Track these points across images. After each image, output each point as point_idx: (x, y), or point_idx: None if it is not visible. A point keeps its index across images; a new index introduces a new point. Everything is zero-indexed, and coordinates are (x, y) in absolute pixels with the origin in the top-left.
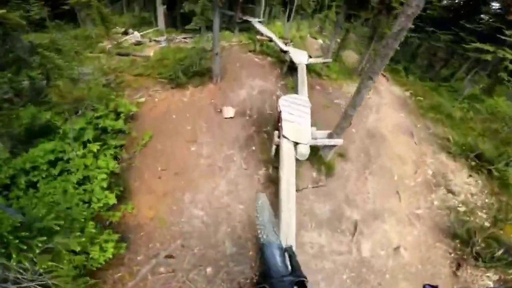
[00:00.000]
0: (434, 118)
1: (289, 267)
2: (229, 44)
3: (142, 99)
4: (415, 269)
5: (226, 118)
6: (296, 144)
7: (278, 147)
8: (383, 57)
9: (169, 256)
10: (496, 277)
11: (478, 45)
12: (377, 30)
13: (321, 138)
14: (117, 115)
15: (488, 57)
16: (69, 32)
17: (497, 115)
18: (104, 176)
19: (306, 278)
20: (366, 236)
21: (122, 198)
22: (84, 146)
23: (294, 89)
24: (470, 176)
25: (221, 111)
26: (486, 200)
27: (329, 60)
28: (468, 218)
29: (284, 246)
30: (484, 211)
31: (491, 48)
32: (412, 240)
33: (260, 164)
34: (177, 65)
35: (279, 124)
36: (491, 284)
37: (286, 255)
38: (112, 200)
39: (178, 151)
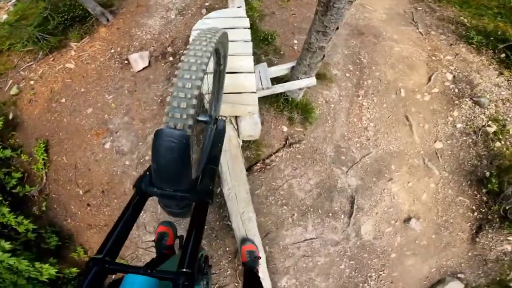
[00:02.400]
0: None
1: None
2: None
3: (14, 90)
4: (427, 240)
5: (138, 71)
6: (236, 117)
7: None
8: None
9: None
10: None
11: None
12: None
13: (279, 84)
14: None
15: None
16: None
17: None
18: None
19: (211, 197)
20: (367, 211)
21: (64, 246)
22: None
23: None
24: (501, 74)
25: (128, 63)
26: None
27: None
28: (499, 146)
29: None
30: None
31: None
32: (428, 198)
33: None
34: (34, 19)
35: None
36: (509, 248)
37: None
38: (50, 270)
39: (89, 157)
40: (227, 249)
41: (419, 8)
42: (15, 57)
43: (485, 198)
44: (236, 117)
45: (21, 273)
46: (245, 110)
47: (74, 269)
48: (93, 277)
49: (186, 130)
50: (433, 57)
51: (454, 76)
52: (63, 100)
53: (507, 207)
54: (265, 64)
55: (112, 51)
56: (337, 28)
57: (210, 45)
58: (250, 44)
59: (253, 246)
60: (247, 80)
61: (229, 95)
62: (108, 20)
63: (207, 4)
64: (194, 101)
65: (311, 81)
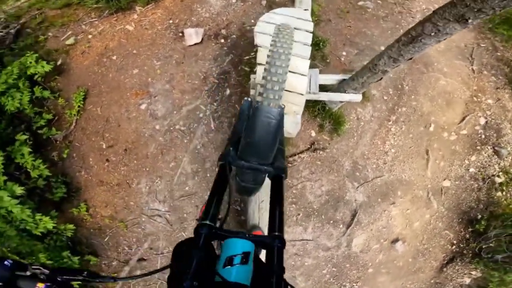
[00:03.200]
0: (506, 36)
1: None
2: None
3: (71, 40)
4: (404, 263)
5: (190, 46)
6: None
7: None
8: None
9: (141, 259)
10: (479, 274)
11: None
12: None
13: (326, 91)
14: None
15: None
16: None
17: None
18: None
19: (285, 173)
20: (363, 226)
21: (68, 199)
22: None
23: None
24: None
25: (183, 35)
26: None
27: None
28: (500, 196)
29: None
30: None
31: None
32: (419, 226)
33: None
34: None
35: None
36: (467, 281)
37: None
38: (49, 224)
39: (123, 113)
40: None
41: (482, 45)
42: (81, 11)
43: (467, 236)
44: None
45: (15, 223)
46: (291, 109)
47: (70, 226)
48: (204, 241)
49: (281, 108)
50: (475, 98)
51: (486, 122)
52: (114, 58)
53: (483, 246)
54: (317, 70)
55: (171, 21)
56: (411, 59)
57: (291, 38)
58: (309, 48)
59: (261, 232)
60: (298, 82)
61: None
62: None
63: None
64: (284, 85)
65: (357, 97)
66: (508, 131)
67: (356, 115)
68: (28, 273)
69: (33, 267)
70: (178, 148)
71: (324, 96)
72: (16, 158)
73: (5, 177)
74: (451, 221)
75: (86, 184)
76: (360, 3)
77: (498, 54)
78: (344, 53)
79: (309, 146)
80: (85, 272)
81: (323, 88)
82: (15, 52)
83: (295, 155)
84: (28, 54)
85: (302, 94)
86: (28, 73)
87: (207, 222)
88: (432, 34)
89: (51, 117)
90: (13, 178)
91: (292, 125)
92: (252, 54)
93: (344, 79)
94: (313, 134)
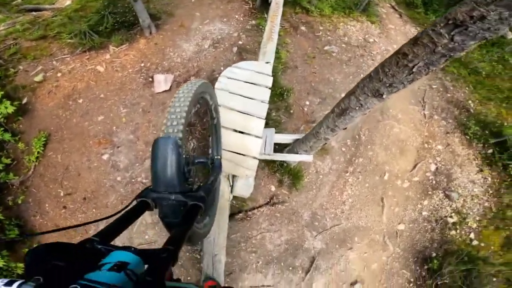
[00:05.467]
0: (456, 74)
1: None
2: None
3: (39, 77)
4: None
5: (158, 93)
6: (233, 176)
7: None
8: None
9: None
10: None
11: None
12: None
13: (283, 148)
14: None
15: None
16: None
17: None
18: None
19: (203, 202)
20: (322, 271)
21: (22, 240)
22: None
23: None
24: (481, 171)
25: (152, 81)
26: (486, 204)
27: None
28: (454, 234)
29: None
30: (477, 218)
31: None
32: (377, 268)
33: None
34: (92, 16)
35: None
36: None
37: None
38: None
39: (84, 162)
40: (189, 278)
41: (433, 86)
42: (55, 45)
43: (424, 273)
44: (234, 175)
45: None
46: (243, 172)
47: (21, 265)
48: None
49: (178, 137)
50: (426, 144)
51: (437, 168)
52: (80, 101)
53: (438, 283)
54: (273, 130)
55: (142, 64)
56: (345, 128)
57: (192, 88)
58: (266, 106)
59: (215, 283)
60: (253, 144)
61: (233, 155)
62: (151, 33)
63: (240, 42)
64: (182, 121)
65: (308, 158)
66: (459, 175)
67: (315, 168)
68: None
69: None
70: None
71: (279, 157)
72: None
73: None
74: (407, 260)
75: (41, 228)
76: (326, 47)
77: (449, 95)
78: (307, 103)
79: (268, 200)
80: None
81: (279, 145)
82: None
83: (254, 209)
84: None
85: (255, 158)
86: None
87: (92, 237)
88: (357, 108)
89: (9, 161)
90: None
91: (244, 188)
92: None
93: (297, 139)
94: (273, 188)
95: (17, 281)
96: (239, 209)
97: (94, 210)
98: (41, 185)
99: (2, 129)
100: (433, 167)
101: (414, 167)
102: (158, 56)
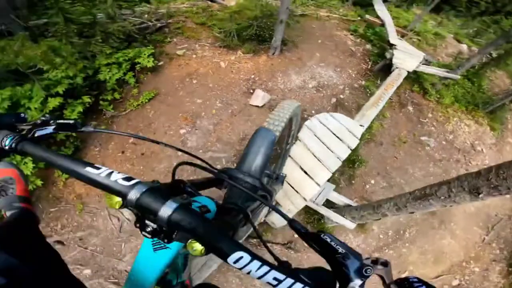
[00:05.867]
0: None
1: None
2: (327, 16)
3: (181, 52)
4: None
5: (251, 105)
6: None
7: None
8: None
9: None
10: None
11: None
12: None
13: (331, 207)
14: (133, 63)
15: None
16: None
17: None
18: None
19: (270, 196)
20: None
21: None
22: None
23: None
24: None
25: (252, 93)
26: None
27: (455, 76)
28: None
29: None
30: None
31: None
32: None
33: None
34: (243, 22)
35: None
36: None
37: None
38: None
39: (165, 126)
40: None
41: None
42: (205, 33)
43: None
44: (277, 203)
45: None
46: (288, 206)
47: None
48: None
49: (275, 135)
50: (465, 263)
51: (459, 284)
52: (195, 81)
53: None
54: (333, 186)
55: (252, 76)
56: (412, 213)
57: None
58: (339, 164)
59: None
60: (310, 188)
61: (289, 187)
62: (274, 53)
63: (341, 96)
64: (282, 124)
65: (351, 225)
66: None
67: (344, 239)
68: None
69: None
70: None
71: (323, 211)
72: None
73: None
74: None
75: (89, 159)
76: (423, 138)
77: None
78: (372, 182)
79: (285, 242)
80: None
81: (328, 202)
82: (144, 41)
83: (269, 242)
84: (148, 48)
85: (305, 200)
86: (136, 60)
87: (185, 180)
88: (442, 197)
89: (118, 97)
90: None
91: (279, 218)
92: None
93: (350, 205)
94: (296, 235)
95: (135, 178)
96: (258, 235)
97: (141, 167)
98: (123, 126)
99: (132, 73)
100: (455, 282)
101: (437, 276)
102: (268, 75)
